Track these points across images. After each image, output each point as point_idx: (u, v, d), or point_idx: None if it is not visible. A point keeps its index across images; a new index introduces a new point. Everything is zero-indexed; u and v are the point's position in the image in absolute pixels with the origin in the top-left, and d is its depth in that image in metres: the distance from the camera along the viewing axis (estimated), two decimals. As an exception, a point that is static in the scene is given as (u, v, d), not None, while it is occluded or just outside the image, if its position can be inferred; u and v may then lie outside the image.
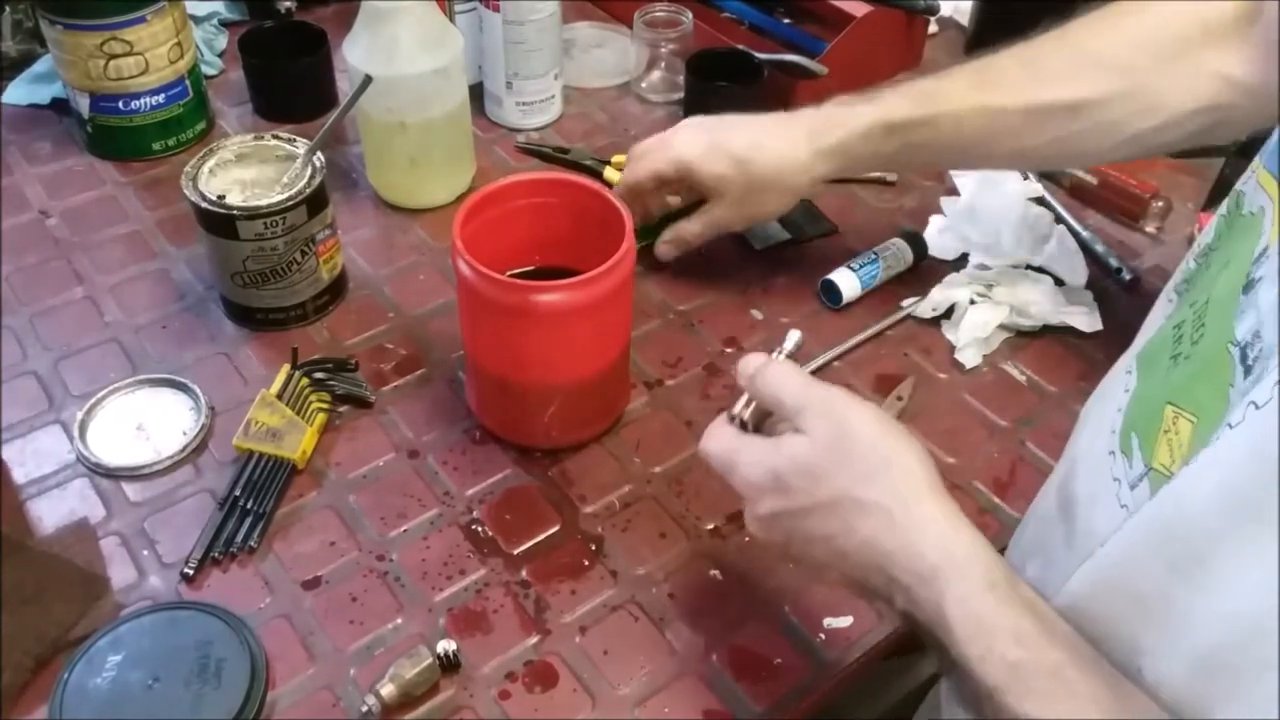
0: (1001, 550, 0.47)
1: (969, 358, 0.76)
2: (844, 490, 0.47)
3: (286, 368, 0.71)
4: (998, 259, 0.82)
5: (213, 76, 1.00)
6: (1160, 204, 0.87)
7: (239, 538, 0.64)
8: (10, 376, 0.74)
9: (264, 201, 0.71)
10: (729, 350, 0.78)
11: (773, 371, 0.52)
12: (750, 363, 0.53)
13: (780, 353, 0.54)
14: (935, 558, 0.45)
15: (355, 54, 0.80)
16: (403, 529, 0.66)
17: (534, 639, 0.60)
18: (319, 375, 0.72)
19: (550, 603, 0.62)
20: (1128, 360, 0.49)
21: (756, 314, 0.80)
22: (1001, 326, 0.78)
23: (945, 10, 1.06)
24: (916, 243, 0.83)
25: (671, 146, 0.75)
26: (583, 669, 0.59)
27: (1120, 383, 0.48)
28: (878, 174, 0.91)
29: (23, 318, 0.78)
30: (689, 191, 0.78)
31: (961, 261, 0.84)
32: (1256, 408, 0.37)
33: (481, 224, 0.66)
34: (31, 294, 0.80)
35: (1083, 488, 0.48)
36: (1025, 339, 0.78)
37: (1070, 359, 0.77)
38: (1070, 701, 0.41)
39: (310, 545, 0.65)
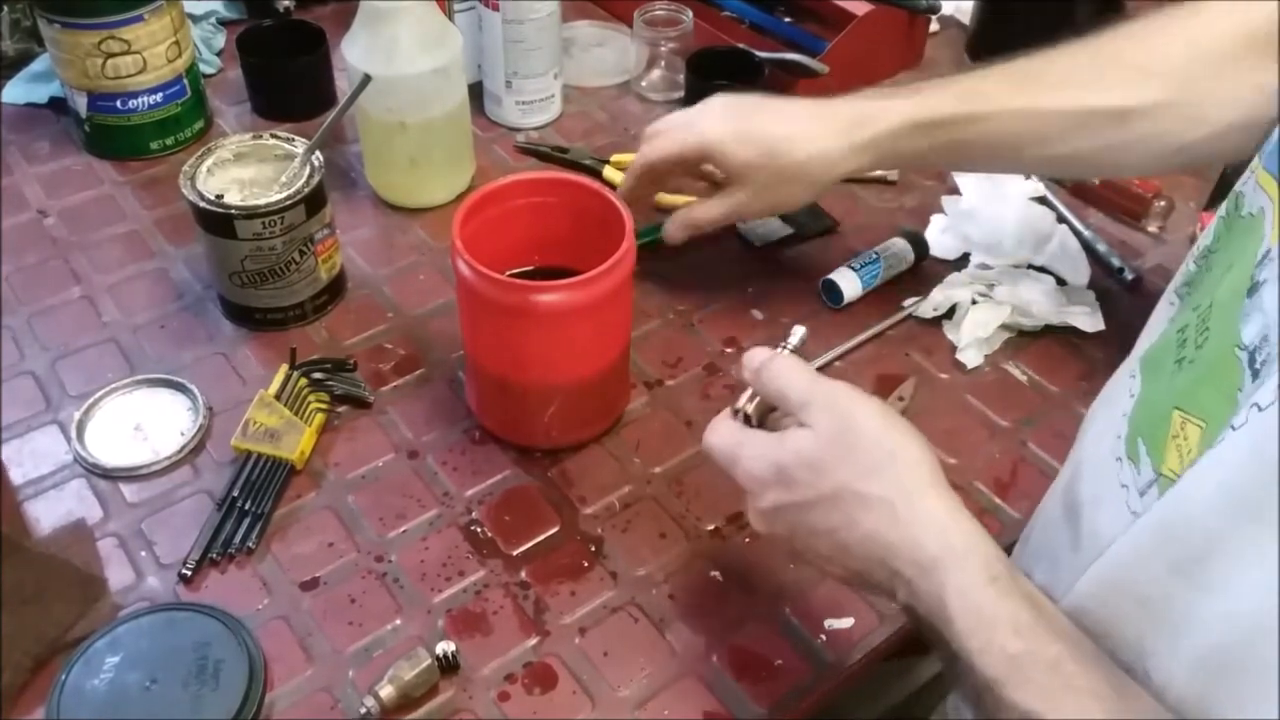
0: (1006, 550, 0.47)
1: (970, 358, 0.76)
2: (847, 483, 0.48)
3: (285, 368, 0.71)
4: (999, 259, 0.82)
5: (211, 75, 1.00)
6: (1162, 203, 0.86)
7: (237, 539, 0.64)
8: (8, 376, 0.74)
9: (262, 201, 0.71)
10: (729, 350, 0.77)
11: (778, 366, 0.52)
12: (755, 356, 0.53)
13: (785, 347, 0.54)
14: (936, 550, 0.46)
15: (354, 53, 0.80)
16: (402, 530, 0.65)
17: (533, 640, 0.60)
18: (317, 375, 0.72)
19: (550, 604, 0.62)
20: (1131, 364, 0.49)
21: (757, 314, 0.80)
22: (1003, 326, 0.77)
23: (946, 9, 1.05)
24: (918, 242, 0.83)
25: (697, 126, 0.72)
26: (582, 670, 0.59)
27: (1124, 387, 0.48)
28: (879, 173, 0.91)
29: (20, 317, 0.78)
30: (701, 176, 0.75)
31: (963, 261, 0.84)
32: (1259, 409, 0.37)
33: (481, 224, 0.65)
34: (29, 294, 0.80)
35: (1088, 493, 0.48)
36: (1027, 339, 0.78)
37: (1072, 359, 0.77)
38: (1069, 695, 0.41)
39: (309, 546, 0.64)
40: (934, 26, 1.06)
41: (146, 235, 0.85)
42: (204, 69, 0.98)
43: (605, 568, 0.64)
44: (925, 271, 0.82)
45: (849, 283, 0.79)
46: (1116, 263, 0.83)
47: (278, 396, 0.69)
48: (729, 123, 0.71)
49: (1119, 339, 0.77)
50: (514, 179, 0.68)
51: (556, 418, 0.68)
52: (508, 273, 0.66)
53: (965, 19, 1.06)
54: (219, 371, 0.74)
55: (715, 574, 0.64)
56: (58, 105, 0.94)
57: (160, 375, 0.73)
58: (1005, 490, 0.69)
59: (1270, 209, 0.41)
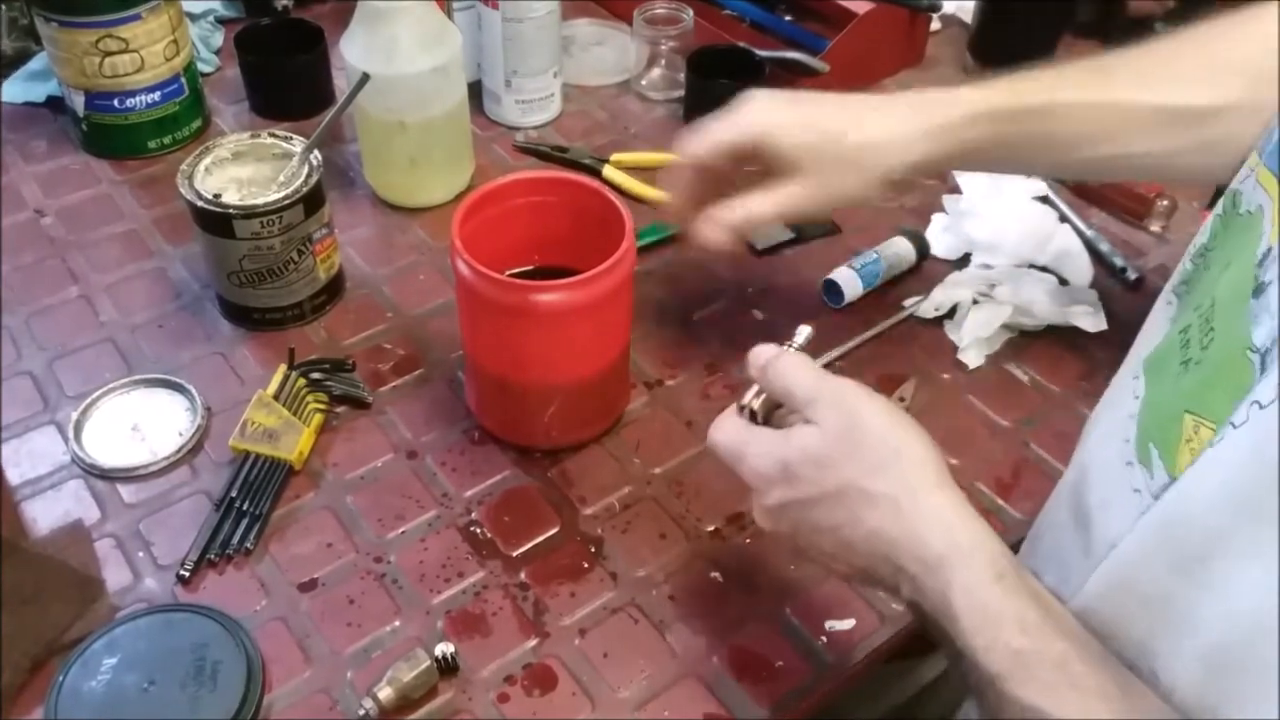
0: (1011, 550, 0.47)
1: (972, 358, 0.76)
2: (852, 480, 0.48)
3: (283, 368, 0.71)
4: (1001, 258, 0.82)
5: (209, 74, 0.99)
6: (1165, 203, 0.86)
7: (235, 539, 0.63)
8: (5, 376, 0.73)
9: (260, 200, 0.71)
10: (729, 350, 0.77)
11: (784, 363, 0.52)
12: (761, 354, 0.53)
13: (791, 346, 0.54)
14: (942, 547, 0.45)
15: (353, 52, 0.80)
16: (400, 530, 0.65)
17: (533, 641, 0.60)
18: (316, 375, 0.72)
19: (549, 605, 0.62)
20: (1134, 366, 0.49)
21: (757, 314, 0.80)
22: (1004, 326, 0.77)
23: (948, 8, 1.05)
24: (919, 242, 0.82)
25: (744, 114, 0.65)
26: (582, 672, 0.59)
27: (1127, 389, 0.48)
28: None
29: (18, 317, 0.78)
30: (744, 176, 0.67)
31: (964, 261, 0.83)
32: (1260, 407, 0.37)
33: (480, 223, 0.65)
34: (26, 293, 0.79)
35: (1097, 498, 0.47)
36: (1028, 339, 0.78)
37: (1074, 359, 0.77)
38: (1074, 692, 0.41)
39: (307, 547, 0.64)
40: (935, 25, 1.06)
41: (144, 235, 0.85)
42: (202, 68, 0.97)
43: (605, 568, 0.63)
44: (926, 271, 0.82)
45: (850, 282, 0.79)
46: (1119, 262, 0.83)
47: (276, 397, 0.69)
48: (780, 109, 0.65)
49: (1121, 339, 0.76)
50: (513, 178, 0.68)
51: (556, 418, 0.67)
52: (507, 272, 0.65)
53: (967, 18, 1.06)
54: (217, 371, 0.74)
55: (715, 575, 0.63)
56: (55, 104, 0.94)
57: (158, 375, 0.73)
58: (1007, 491, 0.68)
59: (1270, 207, 0.41)
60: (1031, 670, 0.42)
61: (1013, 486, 0.69)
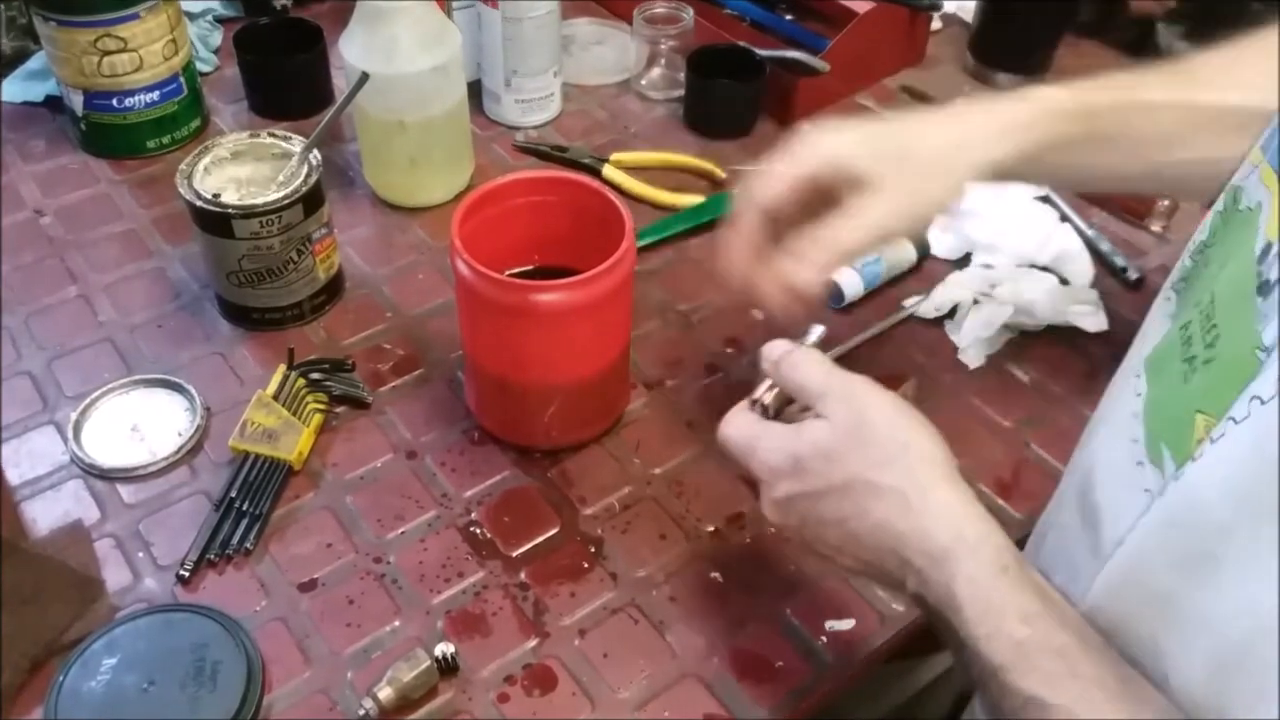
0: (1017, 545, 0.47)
1: (972, 358, 0.76)
2: (859, 473, 0.48)
3: (283, 368, 0.71)
4: (1001, 258, 0.82)
5: (208, 73, 0.99)
6: (1166, 203, 0.86)
7: (235, 540, 0.63)
8: (5, 376, 0.73)
9: (260, 200, 0.71)
10: (729, 350, 0.77)
11: (797, 357, 0.52)
12: (775, 348, 0.54)
13: (805, 343, 0.55)
14: (948, 540, 0.46)
15: (352, 51, 0.80)
16: (400, 531, 0.65)
17: (533, 642, 0.60)
18: (316, 376, 0.71)
19: (549, 605, 0.62)
20: (1135, 364, 0.49)
21: (757, 314, 0.80)
22: (1005, 326, 0.77)
23: (948, 7, 1.05)
24: (919, 242, 0.82)
25: (806, 145, 0.59)
26: (582, 672, 0.59)
27: (1129, 387, 0.48)
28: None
29: (17, 317, 0.78)
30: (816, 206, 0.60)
31: (965, 261, 0.83)
32: (1262, 403, 0.37)
33: (480, 223, 0.65)
34: (25, 293, 0.79)
35: (1106, 497, 0.47)
36: (1029, 339, 0.78)
37: (1075, 359, 0.77)
38: (1074, 682, 0.41)
39: (307, 547, 0.64)
40: (936, 24, 1.06)
41: (143, 234, 0.85)
42: (201, 67, 0.97)
43: (605, 569, 0.63)
44: (927, 271, 0.82)
45: (850, 282, 0.79)
46: (1120, 262, 0.83)
47: (276, 397, 0.69)
48: (842, 131, 0.60)
49: (1123, 339, 0.76)
50: (513, 178, 0.68)
51: (556, 418, 0.67)
52: (507, 272, 0.65)
53: (967, 17, 1.06)
54: (216, 372, 0.74)
55: (715, 575, 0.63)
56: (54, 103, 0.94)
57: (157, 375, 0.73)
58: (1008, 491, 0.68)
59: (1269, 202, 0.41)
60: (1033, 661, 0.42)
61: (1013, 486, 0.69)
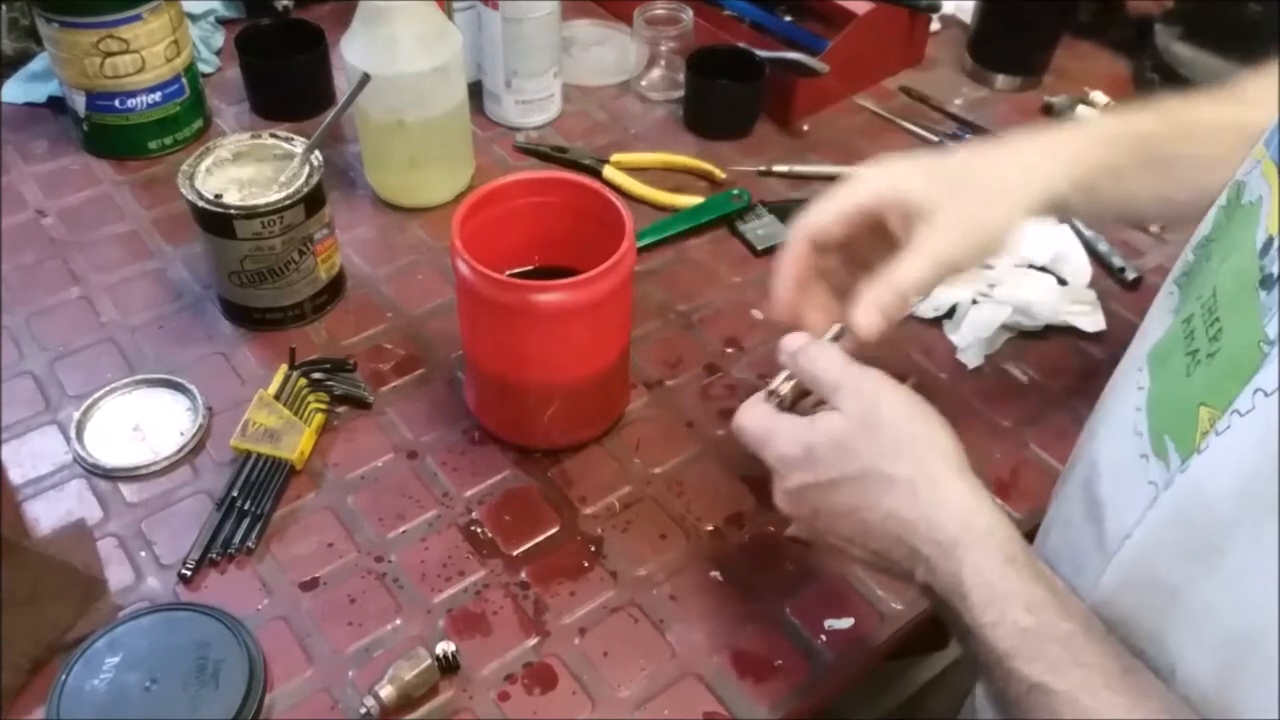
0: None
1: (971, 358, 0.76)
2: (871, 464, 0.49)
3: (284, 368, 0.71)
4: (1000, 258, 0.82)
5: (209, 74, 1.00)
6: (1163, 203, 0.86)
7: (237, 539, 0.64)
8: (7, 377, 0.73)
9: (261, 200, 0.71)
10: (729, 350, 0.77)
11: (814, 351, 0.54)
12: (794, 340, 0.55)
13: (823, 338, 0.56)
14: (956, 531, 0.47)
15: (353, 52, 0.80)
16: (401, 530, 0.65)
17: (533, 640, 0.60)
18: (317, 375, 0.72)
19: (550, 604, 0.62)
20: (1137, 359, 0.49)
21: (757, 314, 0.80)
22: (1004, 326, 0.77)
23: (947, 8, 1.05)
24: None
25: (860, 179, 0.58)
26: (582, 671, 0.59)
27: (1131, 381, 0.48)
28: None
29: (19, 318, 0.78)
30: (872, 243, 0.58)
31: (963, 260, 0.83)
32: (1266, 395, 0.37)
33: (481, 223, 0.65)
34: (28, 294, 0.80)
35: (1110, 491, 0.48)
36: (1028, 339, 0.78)
37: (1073, 359, 0.77)
38: (1078, 670, 0.42)
39: (308, 546, 0.64)
40: (935, 26, 1.06)
41: (145, 235, 0.85)
42: (202, 68, 0.97)
43: (605, 568, 0.64)
44: (926, 271, 0.82)
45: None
46: (1118, 262, 0.83)
47: (277, 397, 0.69)
48: (896, 165, 0.59)
49: (1121, 338, 0.77)
50: (514, 178, 0.68)
51: (556, 418, 0.68)
52: (508, 272, 0.65)
53: (966, 18, 1.06)
54: (218, 371, 0.74)
55: (715, 574, 0.64)
56: (56, 104, 0.94)
57: (159, 375, 0.73)
58: (1006, 491, 0.68)
59: (1269, 196, 0.41)
60: (1038, 647, 0.43)
61: (1011, 486, 0.69)
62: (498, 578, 0.63)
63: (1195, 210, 0.70)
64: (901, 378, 0.73)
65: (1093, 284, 0.81)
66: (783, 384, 0.55)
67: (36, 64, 0.96)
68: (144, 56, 0.86)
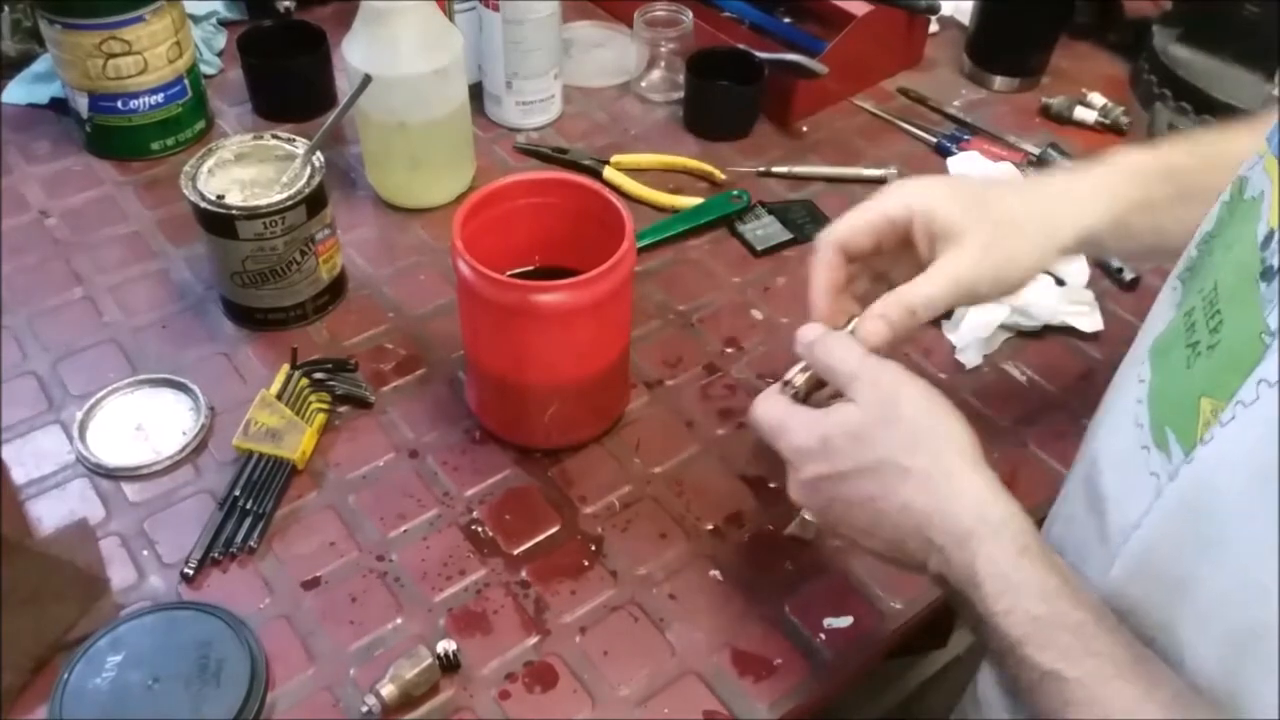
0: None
1: (970, 358, 0.76)
2: (887, 455, 0.49)
3: (286, 368, 0.71)
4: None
5: (212, 76, 1.00)
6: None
7: (239, 538, 0.64)
8: (10, 377, 0.74)
9: (263, 201, 0.71)
10: (729, 350, 0.77)
11: (832, 340, 0.54)
12: (809, 331, 0.55)
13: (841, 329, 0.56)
14: (971, 521, 0.47)
15: (355, 54, 0.80)
16: (402, 529, 0.65)
17: (534, 639, 0.60)
18: (319, 375, 0.72)
19: (550, 603, 0.62)
20: (1139, 354, 0.50)
21: (756, 314, 0.80)
22: (1002, 326, 0.77)
23: (946, 10, 1.06)
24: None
25: (890, 192, 0.58)
26: (583, 669, 0.59)
27: (1133, 374, 0.49)
28: (879, 173, 0.91)
29: (22, 318, 0.78)
30: (899, 258, 0.59)
31: (962, 261, 0.84)
32: (1269, 385, 0.37)
33: (481, 224, 0.66)
34: (31, 294, 0.80)
35: (1111, 485, 0.48)
36: (1026, 339, 0.78)
37: (1071, 359, 0.77)
38: (1090, 658, 0.42)
39: (310, 546, 0.64)
40: (933, 27, 1.06)
41: (148, 236, 0.85)
42: (205, 69, 0.98)
43: (605, 567, 0.64)
44: (925, 271, 0.82)
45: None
46: (1115, 263, 0.83)
47: (279, 396, 0.69)
48: (927, 182, 0.59)
49: (1118, 339, 0.77)
50: (514, 179, 0.68)
51: (557, 418, 0.68)
52: (508, 273, 0.66)
53: (965, 19, 1.06)
54: (220, 371, 0.75)
55: (715, 573, 0.64)
56: (59, 106, 0.94)
57: (162, 375, 0.73)
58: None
59: (1270, 190, 0.42)
60: (1050, 635, 0.43)
61: (1010, 486, 0.67)
62: (498, 577, 0.63)
63: None
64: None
65: (1090, 284, 0.81)
66: (798, 375, 0.55)
67: (39, 65, 0.97)
68: (146, 58, 0.86)
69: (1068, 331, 0.78)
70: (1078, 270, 0.82)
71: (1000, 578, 0.45)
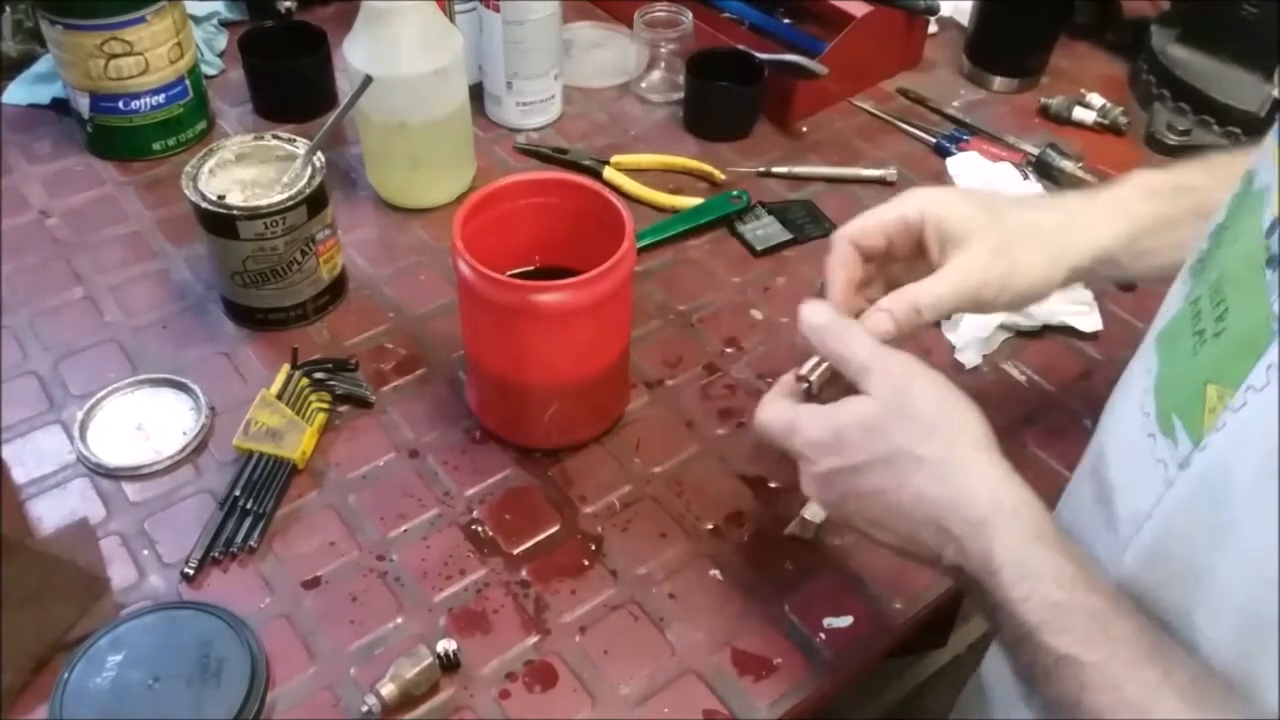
0: None
1: (969, 358, 0.76)
2: (901, 446, 0.49)
3: (286, 368, 0.71)
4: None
5: (213, 76, 1.00)
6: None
7: (239, 538, 0.64)
8: (10, 376, 0.74)
9: (264, 201, 0.71)
10: (729, 350, 0.78)
11: (841, 328, 0.53)
12: (815, 312, 0.53)
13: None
14: (986, 509, 0.47)
15: (355, 54, 0.80)
16: (403, 529, 0.66)
17: (534, 639, 0.60)
18: (319, 375, 0.72)
19: (550, 602, 0.62)
20: (1147, 345, 0.50)
21: (756, 314, 0.80)
22: (1001, 326, 0.78)
23: (945, 10, 1.06)
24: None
25: (906, 196, 0.59)
26: (583, 669, 0.59)
27: (1141, 365, 0.49)
28: (878, 173, 0.91)
29: (23, 318, 0.78)
30: (913, 265, 0.59)
31: (961, 261, 0.84)
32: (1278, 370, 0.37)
33: (482, 224, 0.66)
34: (32, 294, 0.80)
35: (1118, 474, 0.48)
36: (1025, 339, 0.78)
37: (1070, 359, 0.77)
38: (1107, 643, 0.43)
39: (310, 545, 0.65)
40: (933, 28, 1.06)
41: (148, 236, 0.85)
42: (206, 70, 0.98)
43: (605, 566, 0.64)
44: (924, 272, 0.83)
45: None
46: (1115, 263, 0.83)
47: (279, 396, 0.69)
48: (943, 191, 0.60)
49: (1117, 338, 0.77)
50: (515, 179, 0.68)
51: (557, 418, 0.68)
52: (508, 273, 0.66)
53: (964, 20, 1.06)
54: (221, 371, 0.75)
55: (715, 573, 0.64)
56: (60, 106, 0.94)
57: (162, 375, 0.73)
58: (1004, 489, 0.69)
59: (1273, 180, 0.42)
60: (1067, 620, 0.44)
61: (1010, 485, 0.69)
62: (498, 576, 0.63)
63: None
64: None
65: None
66: (812, 370, 0.54)
67: (40, 66, 0.97)
68: (148, 58, 0.87)
69: (1067, 331, 0.78)
70: (1077, 270, 0.82)
71: (1017, 564, 0.46)
